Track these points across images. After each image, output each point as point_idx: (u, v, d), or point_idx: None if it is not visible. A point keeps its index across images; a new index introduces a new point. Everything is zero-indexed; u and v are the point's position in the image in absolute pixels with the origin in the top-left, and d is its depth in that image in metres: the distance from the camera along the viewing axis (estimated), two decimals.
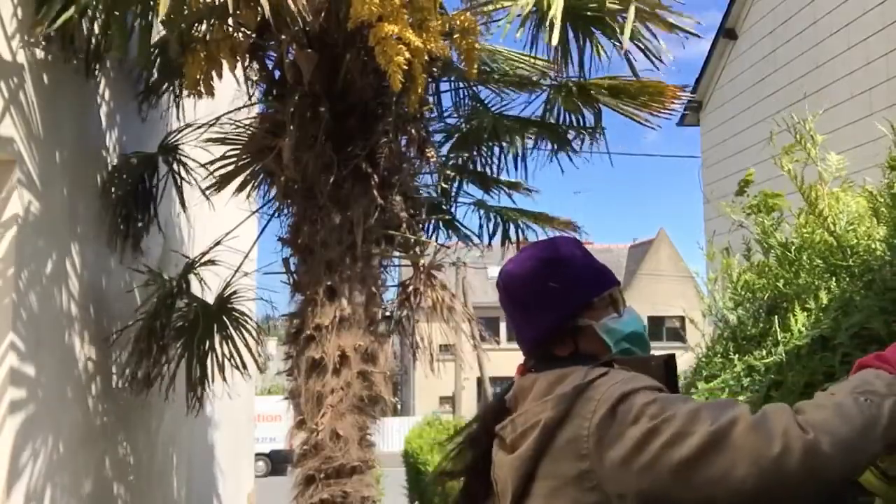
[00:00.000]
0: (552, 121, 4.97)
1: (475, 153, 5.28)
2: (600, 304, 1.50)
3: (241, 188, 4.74)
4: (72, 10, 3.36)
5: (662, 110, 4.69)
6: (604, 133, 4.93)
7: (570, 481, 1.31)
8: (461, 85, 5.08)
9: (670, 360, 1.48)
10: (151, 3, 3.37)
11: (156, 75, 4.68)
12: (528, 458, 1.36)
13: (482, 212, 5.54)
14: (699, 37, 4.08)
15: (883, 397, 1.18)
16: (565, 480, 1.32)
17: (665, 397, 1.28)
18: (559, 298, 1.48)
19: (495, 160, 5.26)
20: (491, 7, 4.06)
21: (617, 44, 4.23)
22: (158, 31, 3.91)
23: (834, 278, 2.40)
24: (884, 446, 1.16)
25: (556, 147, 5.07)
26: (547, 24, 3.59)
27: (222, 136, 4.62)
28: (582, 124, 4.93)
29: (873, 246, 2.34)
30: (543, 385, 1.40)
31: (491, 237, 5.57)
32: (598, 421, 1.27)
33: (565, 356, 1.47)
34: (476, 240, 5.58)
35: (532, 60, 4.80)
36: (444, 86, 5.04)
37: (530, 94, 5.05)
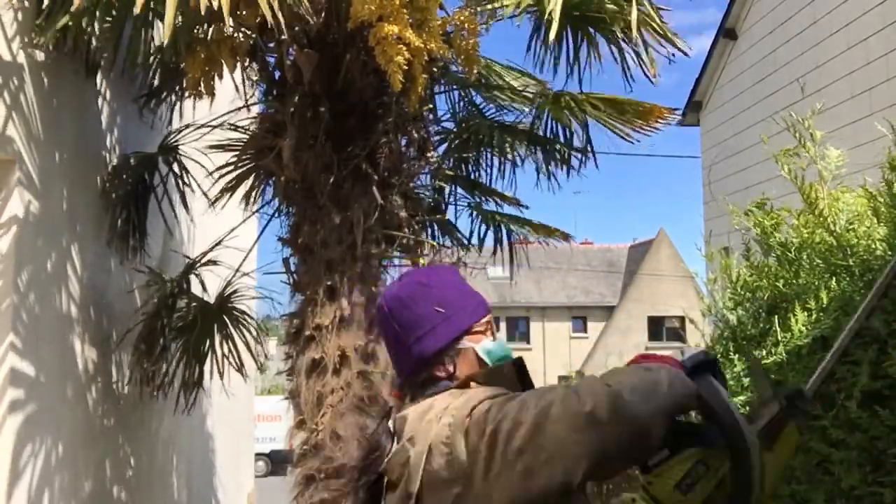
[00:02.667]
0: (542, 130, 4.99)
1: (470, 159, 5.28)
2: (479, 328, 1.60)
3: (246, 196, 4.75)
4: (66, 19, 3.36)
5: (646, 127, 4.76)
6: (593, 149, 4.96)
7: None
8: (455, 87, 5.09)
9: (519, 362, 1.57)
10: (152, 5, 3.36)
11: (156, 80, 4.68)
12: (405, 496, 1.41)
13: (475, 214, 5.54)
14: (687, 55, 4.15)
15: (658, 370, 1.40)
16: None
17: (499, 401, 1.39)
18: (445, 323, 1.56)
19: (487, 167, 5.28)
20: (490, 6, 4.06)
21: (613, 46, 4.24)
22: (160, 36, 3.91)
23: (834, 278, 2.40)
24: (671, 403, 1.35)
25: (546, 160, 5.08)
26: (546, 19, 3.58)
27: (223, 142, 4.63)
28: (570, 137, 4.95)
29: (873, 246, 2.34)
30: (415, 415, 1.48)
31: (482, 239, 5.57)
32: (455, 445, 1.36)
33: (443, 377, 1.55)
34: (469, 243, 5.57)
35: (523, 76, 4.88)
36: (439, 88, 5.05)
37: (525, 110, 5.08)
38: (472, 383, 1.49)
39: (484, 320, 1.61)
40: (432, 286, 1.61)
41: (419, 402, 1.52)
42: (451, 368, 1.55)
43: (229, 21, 3.05)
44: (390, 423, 1.55)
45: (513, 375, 1.54)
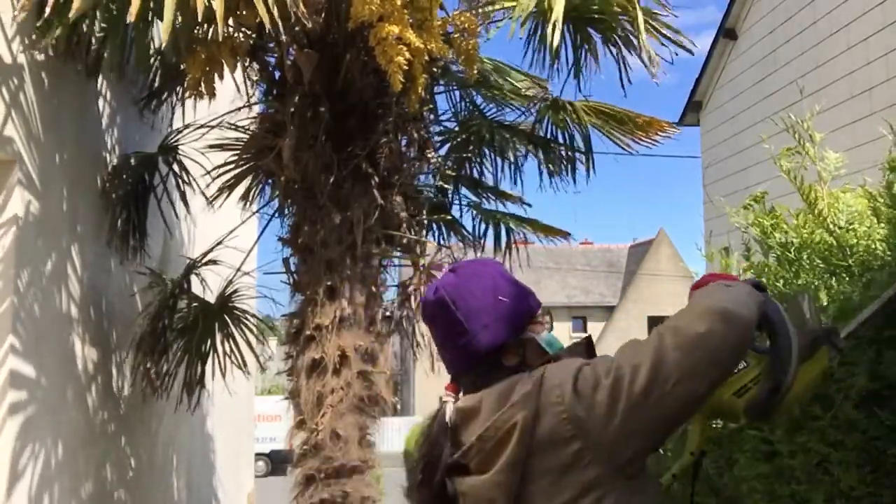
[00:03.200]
0: (542, 132, 5.00)
1: (471, 158, 5.29)
2: (538, 320, 1.61)
3: (244, 195, 4.75)
4: (62, 31, 3.35)
5: (645, 139, 4.78)
6: (592, 153, 4.97)
7: (567, 468, 1.38)
8: (455, 87, 5.10)
9: (589, 341, 1.62)
10: (151, 5, 3.36)
11: (157, 80, 4.68)
12: (512, 464, 1.40)
13: (475, 213, 5.56)
14: (691, 53, 4.14)
15: (735, 285, 1.50)
16: (563, 468, 1.38)
17: (603, 357, 1.47)
18: (510, 312, 1.56)
19: (489, 166, 5.30)
20: (490, 8, 4.07)
21: (613, 48, 4.24)
22: (160, 38, 3.91)
23: (834, 278, 2.40)
24: (757, 311, 1.45)
25: (546, 161, 5.10)
26: (549, 27, 3.59)
27: (223, 142, 4.63)
28: (569, 141, 4.96)
29: (873, 246, 2.34)
30: (493, 398, 1.46)
31: (483, 237, 5.58)
32: (570, 402, 1.38)
33: (513, 366, 1.54)
34: (475, 242, 5.58)
35: (524, 78, 4.90)
36: (440, 88, 5.06)
37: (525, 110, 5.10)
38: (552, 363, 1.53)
39: (540, 311, 1.62)
40: (493, 277, 1.61)
41: (483, 391, 1.50)
42: (519, 357, 1.55)
43: (222, 25, 3.04)
44: (447, 418, 1.51)
45: (584, 354, 1.58)
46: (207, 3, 3.04)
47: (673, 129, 4.89)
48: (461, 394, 1.57)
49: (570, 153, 4.99)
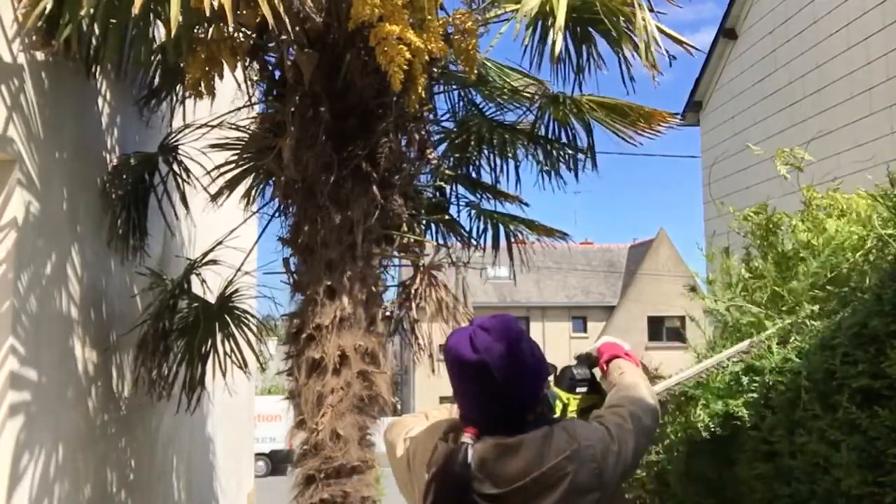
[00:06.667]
0: (542, 130, 5.00)
1: (470, 158, 5.29)
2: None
3: (245, 195, 4.75)
4: (69, 29, 3.34)
5: (648, 130, 4.78)
6: (594, 151, 4.97)
7: None
8: (454, 87, 5.10)
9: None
10: (151, 6, 3.36)
11: (157, 80, 4.68)
12: None
13: (474, 213, 5.55)
14: (697, 49, 4.15)
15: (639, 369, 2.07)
16: None
17: (611, 426, 1.79)
18: (538, 372, 1.78)
19: (486, 165, 5.29)
20: (492, 14, 4.07)
21: (616, 49, 4.23)
22: (160, 36, 3.91)
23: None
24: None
25: (547, 160, 5.10)
26: (553, 34, 3.59)
27: (223, 142, 4.63)
28: (571, 138, 4.95)
29: (872, 246, 2.34)
30: (534, 446, 1.69)
31: (481, 237, 5.58)
32: (600, 461, 1.69)
33: (531, 420, 1.73)
34: (475, 242, 5.57)
35: (523, 77, 4.89)
36: (439, 88, 5.05)
37: (525, 109, 5.09)
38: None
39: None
40: (522, 338, 1.77)
41: (511, 437, 1.68)
42: (539, 411, 1.76)
43: (232, 20, 3.04)
44: (469, 459, 1.66)
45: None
46: (212, 1, 3.03)
47: (674, 118, 4.88)
48: (485, 437, 1.71)
49: (570, 150, 4.98)
